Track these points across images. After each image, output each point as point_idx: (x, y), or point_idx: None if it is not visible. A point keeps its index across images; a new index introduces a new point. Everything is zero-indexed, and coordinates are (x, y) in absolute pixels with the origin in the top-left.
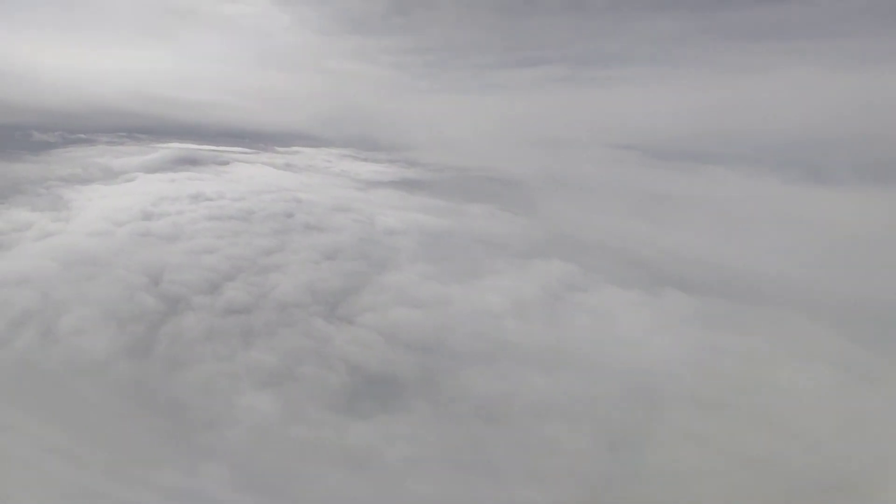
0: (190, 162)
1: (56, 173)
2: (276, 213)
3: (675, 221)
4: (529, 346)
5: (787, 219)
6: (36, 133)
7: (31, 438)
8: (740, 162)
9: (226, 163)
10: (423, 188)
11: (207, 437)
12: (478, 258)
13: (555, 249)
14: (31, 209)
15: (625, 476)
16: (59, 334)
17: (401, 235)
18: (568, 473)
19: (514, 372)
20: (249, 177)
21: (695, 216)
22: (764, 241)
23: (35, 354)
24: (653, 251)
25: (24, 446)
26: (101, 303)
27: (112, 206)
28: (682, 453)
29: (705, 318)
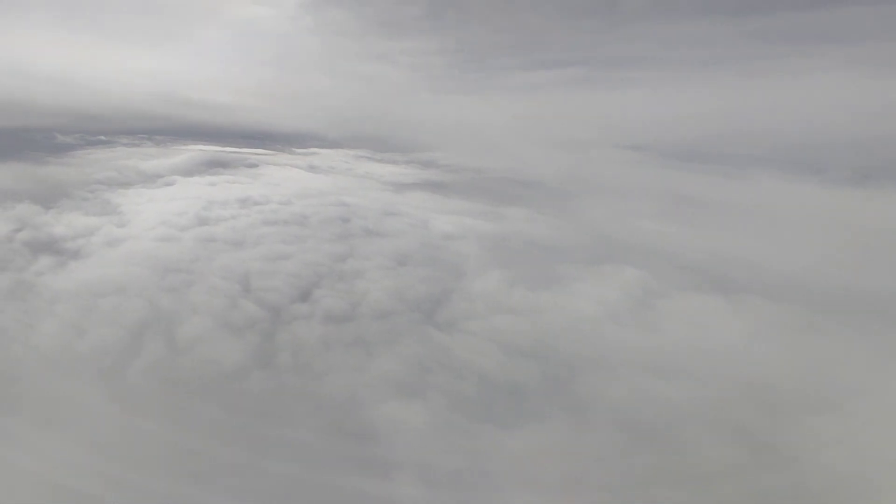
0: (219, 165)
1: (93, 177)
2: (331, 218)
3: (714, 225)
4: (638, 352)
5: (826, 221)
6: (59, 135)
7: (189, 450)
8: (770, 164)
9: (254, 165)
10: (452, 190)
11: (364, 447)
12: (545, 264)
13: (614, 255)
14: (85, 213)
15: (782, 486)
16: (181, 344)
17: (459, 240)
18: (726, 483)
19: (635, 379)
20: (284, 180)
21: (733, 219)
22: (808, 244)
23: (168, 364)
24: (704, 255)
25: (182, 457)
26: (210, 312)
27: (164, 210)
28: (830, 459)
29: (792, 324)
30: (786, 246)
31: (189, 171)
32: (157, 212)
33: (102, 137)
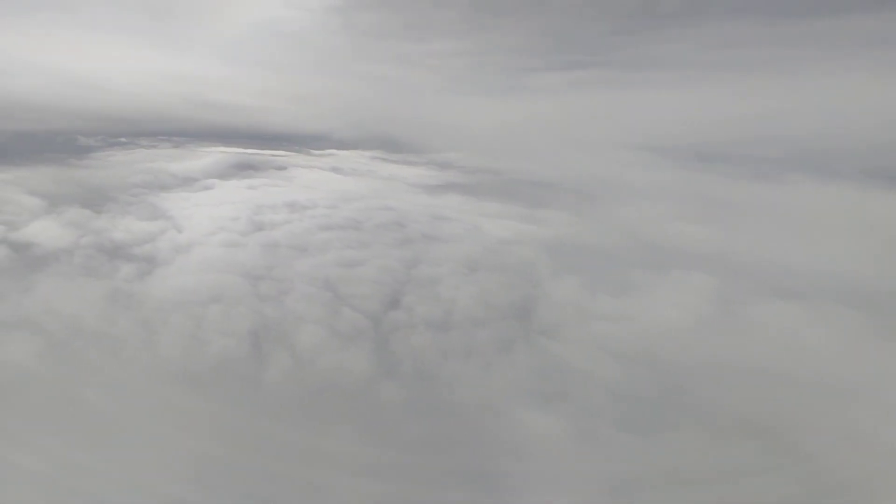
0: (249, 167)
1: (128, 180)
2: (385, 223)
3: (756, 229)
4: (744, 359)
5: (864, 224)
6: (81, 137)
7: (330, 458)
8: (803, 167)
9: (283, 168)
10: (481, 193)
11: (506, 457)
12: (609, 269)
13: (671, 260)
14: (138, 218)
15: None
16: (304, 353)
17: (516, 245)
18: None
19: (752, 386)
20: (316, 182)
21: (773, 223)
22: (853, 248)
23: (299, 374)
24: (758, 260)
25: (334, 464)
26: (316, 320)
27: (215, 215)
28: None
29: (882, 331)
30: (834, 250)
31: (221, 174)
32: (209, 216)
33: (123, 139)
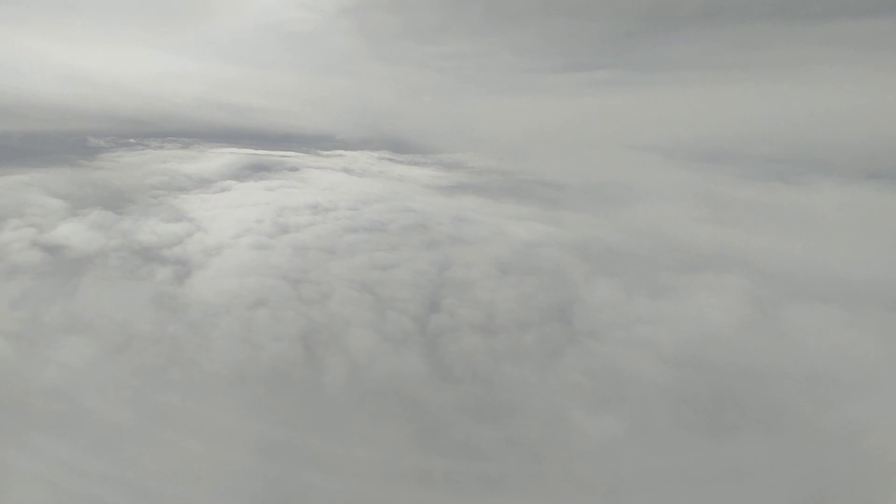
0: (262, 168)
1: (145, 181)
2: (409, 225)
3: (778, 230)
4: (790, 363)
5: (889, 226)
6: (91, 138)
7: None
8: (822, 169)
9: (296, 169)
10: (495, 194)
11: (571, 460)
12: (639, 271)
13: (700, 262)
14: (160, 220)
15: None
16: (360, 358)
17: (542, 248)
18: None
19: (804, 389)
20: (332, 184)
21: (795, 224)
22: (879, 250)
23: (360, 378)
24: (785, 262)
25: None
26: (364, 324)
27: (239, 217)
28: None
29: None
30: (858, 252)
31: (236, 176)
32: (232, 218)
33: (132, 140)
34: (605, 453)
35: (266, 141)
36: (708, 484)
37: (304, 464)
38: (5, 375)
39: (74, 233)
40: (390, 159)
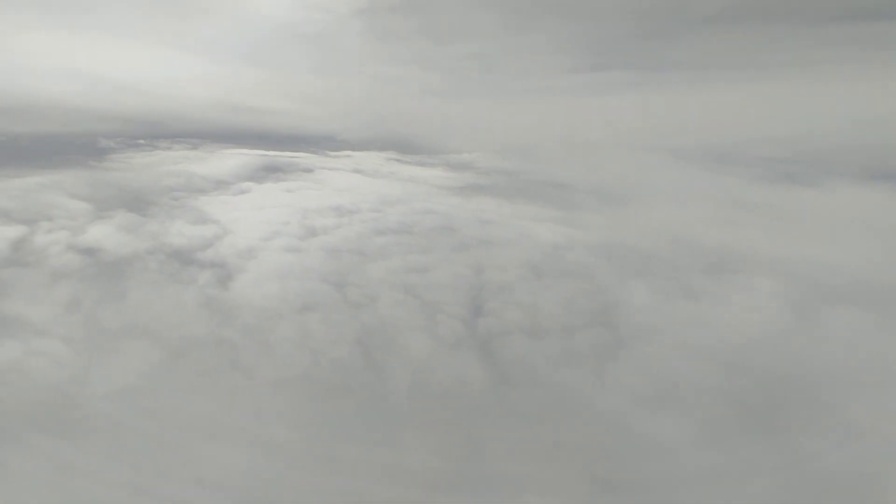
0: (277, 170)
1: (161, 183)
2: (435, 227)
3: (800, 233)
4: (839, 367)
5: None
6: (102, 139)
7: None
8: (837, 171)
9: (310, 170)
10: (508, 195)
11: (634, 463)
12: (670, 274)
13: (728, 265)
14: (186, 222)
15: None
16: (418, 363)
17: (569, 250)
18: None
19: (856, 393)
20: (347, 185)
21: (814, 227)
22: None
23: (422, 384)
24: (812, 265)
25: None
26: (417, 328)
27: (265, 219)
28: None
29: None
30: (883, 255)
31: (252, 177)
32: (258, 221)
33: (141, 141)
34: (668, 455)
35: (273, 142)
36: (770, 485)
37: (366, 473)
38: (72, 380)
39: (106, 236)
40: (398, 160)
